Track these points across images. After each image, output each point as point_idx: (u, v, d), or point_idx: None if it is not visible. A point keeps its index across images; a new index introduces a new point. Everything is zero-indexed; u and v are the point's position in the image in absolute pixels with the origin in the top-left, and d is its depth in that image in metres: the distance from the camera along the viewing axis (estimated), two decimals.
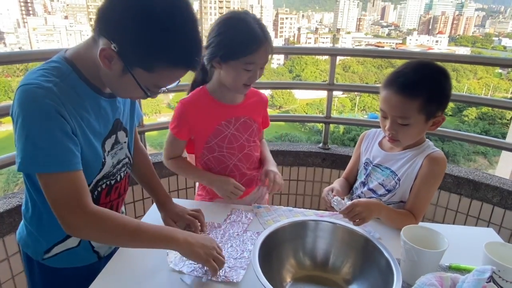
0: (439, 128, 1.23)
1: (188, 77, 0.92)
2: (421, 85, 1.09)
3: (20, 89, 0.79)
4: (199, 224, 1.12)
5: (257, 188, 1.44)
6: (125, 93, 0.91)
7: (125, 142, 1.05)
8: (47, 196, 0.81)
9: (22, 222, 1.03)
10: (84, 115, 0.86)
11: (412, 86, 1.09)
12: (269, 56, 1.20)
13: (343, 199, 1.14)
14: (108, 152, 0.97)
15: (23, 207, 1.01)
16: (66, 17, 70.75)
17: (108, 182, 1.01)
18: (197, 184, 1.50)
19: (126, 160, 1.08)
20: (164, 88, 0.88)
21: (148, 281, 0.94)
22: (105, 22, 0.79)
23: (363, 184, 1.33)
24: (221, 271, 0.93)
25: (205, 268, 0.92)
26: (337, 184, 1.32)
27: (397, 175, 1.22)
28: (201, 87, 1.32)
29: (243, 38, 1.13)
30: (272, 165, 1.37)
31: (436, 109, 1.12)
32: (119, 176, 1.05)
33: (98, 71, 0.85)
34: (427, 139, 1.25)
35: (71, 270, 1.02)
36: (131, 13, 0.76)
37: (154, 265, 0.99)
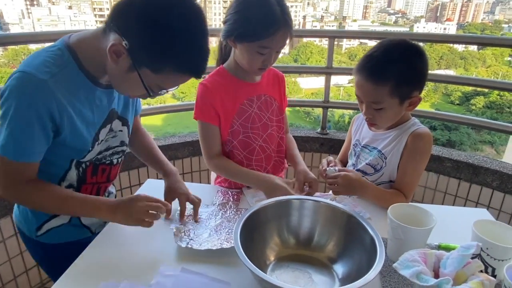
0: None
1: (210, 60, 0.93)
2: (390, 69, 1.05)
3: (18, 75, 0.81)
4: (193, 212, 1.08)
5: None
6: (127, 89, 0.93)
7: (120, 131, 1.07)
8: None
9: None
10: (76, 105, 0.89)
11: (381, 70, 1.05)
12: (287, 40, 1.13)
13: (336, 169, 1.15)
14: (101, 141, 0.99)
15: None
16: (70, 7, 70.52)
17: (93, 163, 1.03)
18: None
19: (121, 148, 1.09)
20: (165, 90, 0.91)
21: (136, 253, 0.96)
22: (120, 18, 0.82)
23: (353, 166, 1.32)
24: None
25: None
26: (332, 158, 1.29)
27: (383, 154, 1.21)
28: (218, 67, 1.28)
29: (259, 20, 1.05)
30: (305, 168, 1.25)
31: (410, 90, 1.09)
32: (108, 161, 1.07)
33: (99, 62, 0.87)
34: (413, 117, 1.22)
35: (65, 245, 1.06)
36: (148, 16, 0.79)
37: (140, 238, 1.00)
